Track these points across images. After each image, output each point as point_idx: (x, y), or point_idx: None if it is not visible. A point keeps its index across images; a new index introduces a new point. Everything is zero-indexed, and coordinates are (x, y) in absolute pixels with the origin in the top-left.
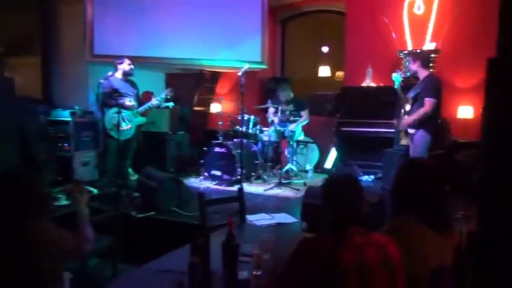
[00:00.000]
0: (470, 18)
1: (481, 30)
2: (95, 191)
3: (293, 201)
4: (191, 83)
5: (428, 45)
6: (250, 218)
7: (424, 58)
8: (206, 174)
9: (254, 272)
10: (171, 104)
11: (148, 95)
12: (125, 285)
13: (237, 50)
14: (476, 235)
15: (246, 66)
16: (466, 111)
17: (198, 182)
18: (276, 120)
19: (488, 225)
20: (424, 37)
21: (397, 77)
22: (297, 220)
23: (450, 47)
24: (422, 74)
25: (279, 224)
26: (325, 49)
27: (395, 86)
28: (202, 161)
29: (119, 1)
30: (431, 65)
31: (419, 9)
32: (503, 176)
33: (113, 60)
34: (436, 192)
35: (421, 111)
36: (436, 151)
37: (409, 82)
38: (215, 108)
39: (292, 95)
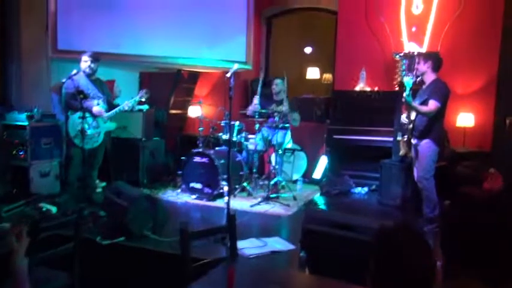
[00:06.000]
0: (472, 18)
1: (483, 30)
2: (54, 209)
3: (284, 219)
4: (167, 83)
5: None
6: (239, 245)
7: (436, 59)
8: (184, 186)
9: None
10: (145, 107)
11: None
12: None
13: (219, 49)
14: None
15: (235, 66)
16: (466, 119)
17: (175, 196)
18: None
19: None
20: (421, 38)
21: (408, 82)
22: (293, 247)
23: (449, 49)
24: (430, 77)
25: (273, 252)
26: (308, 49)
27: (406, 92)
28: (180, 172)
29: None
30: None
31: (417, 8)
32: None
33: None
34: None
35: (424, 109)
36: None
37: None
38: (194, 111)
39: (285, 89)
